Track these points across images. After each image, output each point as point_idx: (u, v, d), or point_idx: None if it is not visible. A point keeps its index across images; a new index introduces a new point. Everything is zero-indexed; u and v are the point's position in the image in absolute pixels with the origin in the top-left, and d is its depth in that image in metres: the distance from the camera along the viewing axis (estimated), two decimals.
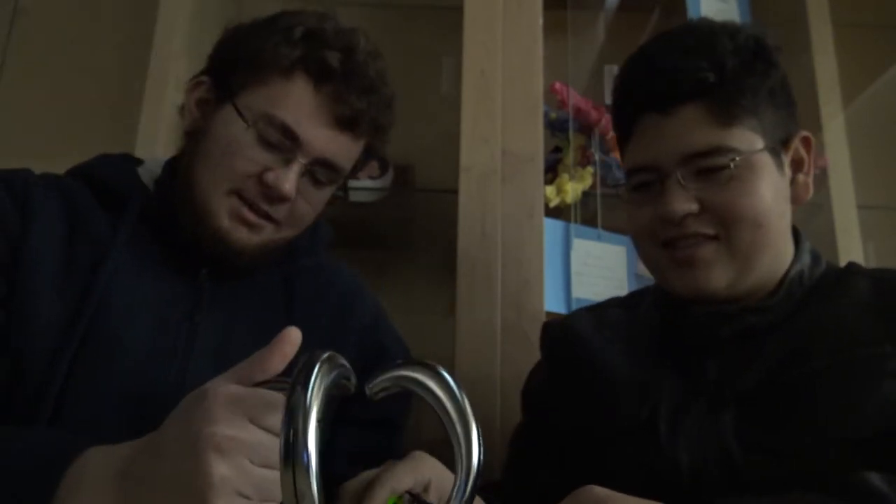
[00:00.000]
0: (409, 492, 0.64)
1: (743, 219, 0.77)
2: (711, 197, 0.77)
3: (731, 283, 0.78)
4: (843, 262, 0.87)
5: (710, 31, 0.81)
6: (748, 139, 0.77)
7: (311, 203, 0.86)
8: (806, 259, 0.82)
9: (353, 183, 1.38)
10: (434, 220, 1.43)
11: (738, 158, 0.76)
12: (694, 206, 0.77)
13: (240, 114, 0.81)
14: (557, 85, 1.41)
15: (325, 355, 0.48)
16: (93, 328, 0.76)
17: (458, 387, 0.52)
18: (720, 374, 0.78)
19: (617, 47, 1.71)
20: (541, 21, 1.35)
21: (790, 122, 0.82)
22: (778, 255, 0.81)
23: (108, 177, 0.87)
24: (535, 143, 1.29)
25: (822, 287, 0.81)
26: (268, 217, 0.82)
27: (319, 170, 0.84)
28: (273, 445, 0.51)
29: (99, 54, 1.67)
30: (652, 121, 0.80)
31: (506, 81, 1.31)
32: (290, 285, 0.90)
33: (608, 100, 1.51)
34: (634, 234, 0.86)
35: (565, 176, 1.36)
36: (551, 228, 1.29)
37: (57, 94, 1.64)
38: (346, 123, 0.83)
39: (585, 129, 1.42)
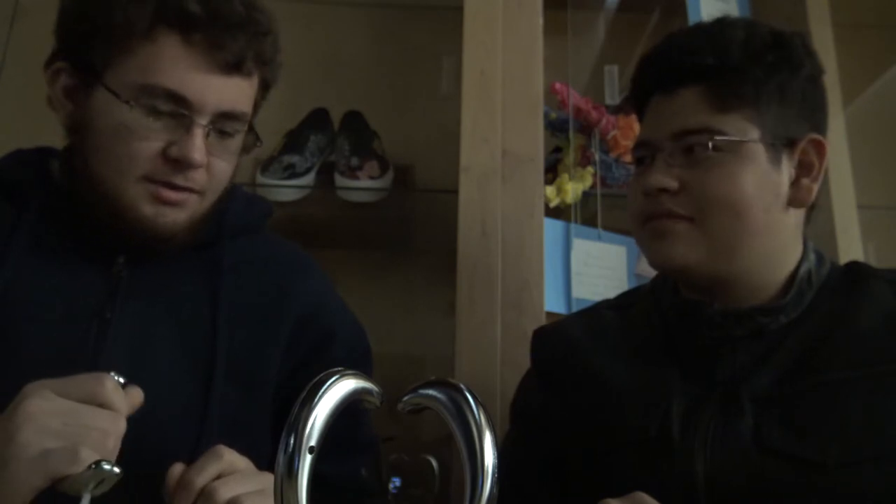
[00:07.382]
0: None
1: (718, 203, 0.77)
2: (691, 177, 0.78)
3: (703, 264, 0.78)
4: (842, 263, 0.86)
5: (727, 23, 0.83)
6: (741, 127, 0.78)
7: (225, 159, 0.79)
8: (812, 258, 0.82)
9: (353, 183, 1.39)
10: (434, 220, 1.43)
11: (717, 138, 0.77)
12: (673, 183, 0.78)
13: (115, 94, 0.73)
14: (557, 85, 1.41)
15: (335, 377, 0.46)
16: None
17: (487, 417, 0.49)
18: (731, 375, 0.77)
19: (617, 47, 1.70)
20: (541, 21, 1.35)
21: (800, 122, 0.81)
22: (771, 250, 0.80)
23: (9, 172, 0.82)
24: (535, 143, 1.29)
25: (832, 287, 0.80)
26: (189, 189, 0.76)
27: (223, 123, 0.77)
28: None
29: None
30: (657, 101, 0.83)
31: (506, 81, 1.31)
32: (218, 273, 0.84)
33: (608, 100, 1.51)
34: (629, 215, 0.86)
35: (565, 176, 1.35)
36: (551, 228, 1.29)
37: None
38: (231, 67, 0.76)
39: (585, 129, 1.42)
